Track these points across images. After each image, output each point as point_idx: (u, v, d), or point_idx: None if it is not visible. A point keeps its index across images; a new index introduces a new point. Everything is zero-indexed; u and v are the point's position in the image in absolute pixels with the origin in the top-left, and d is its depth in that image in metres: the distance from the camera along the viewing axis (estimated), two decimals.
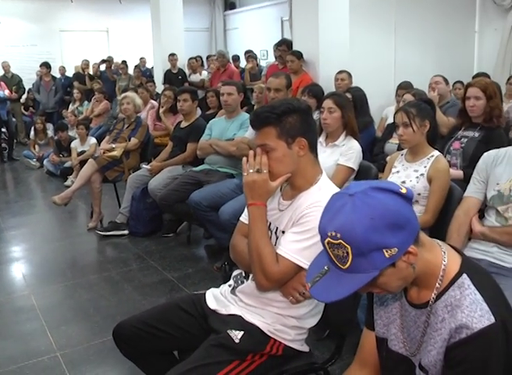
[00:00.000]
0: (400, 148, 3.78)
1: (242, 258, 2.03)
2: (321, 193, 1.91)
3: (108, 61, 11.83)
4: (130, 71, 11.26)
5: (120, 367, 2.92)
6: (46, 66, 11.03)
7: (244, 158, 1.98)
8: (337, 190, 1.97)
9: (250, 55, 10.51)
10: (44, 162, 8.53)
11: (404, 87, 5.43)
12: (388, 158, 3.59)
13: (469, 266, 1.38)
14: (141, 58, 12.35)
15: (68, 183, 7.24)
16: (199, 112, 6.18)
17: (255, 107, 5.92)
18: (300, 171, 1.95)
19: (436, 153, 3.07)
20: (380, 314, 1.55)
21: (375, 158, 4.62)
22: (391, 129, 4.70)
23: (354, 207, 1.25)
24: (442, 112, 4.65)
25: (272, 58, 10.31)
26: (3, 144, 9.87)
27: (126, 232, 5.17)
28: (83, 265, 4.63)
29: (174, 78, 9.55)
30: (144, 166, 5.37)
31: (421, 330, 1.41)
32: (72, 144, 7.84)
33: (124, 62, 11.29)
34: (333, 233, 1.25)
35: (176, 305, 2.14)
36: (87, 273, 4.32)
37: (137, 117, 5.77)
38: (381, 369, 1.58)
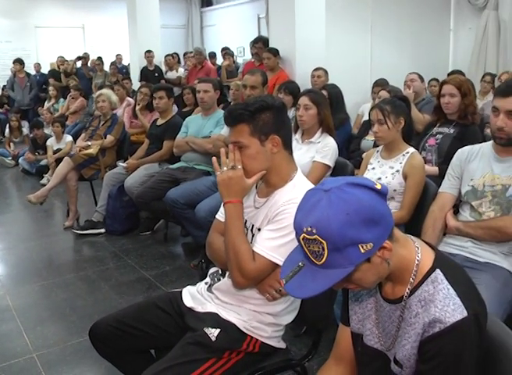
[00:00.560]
0: (375, 145, 3.80)
1: (218, 255, 2.03)
2: (296, 190, 1.91)
3: (84, 58, 11.71)
4: (106, 68, 11.16)
5: (97, 367, 2.90)
6: (19, 62, 10.89)
7: (214, 158, 1.98)
8: (312, 187, 1.97)
9: (226, 52, 10.50)
10: (20, 160, 8.42)
11: (380, 84, 5.46)
12: (364, 155, 3.61)
13: (442, 261, 1.40)
14: (117, 55, 12.26)
15: (44, 181, 7.16)
16: (175, 109, 6.15)
17: (232, 104, 5.91)
18: (275, 168, 1.95)
19: (411, 150, 3.09)
20: (355, 310, 1.56)
21: (351, 155, 4.64)
22: (367, 126, 4.73)
23: (330, 202, 1.25)
24: (417, 109, 4.70)
25: (248, 56, 10.31)
26: None
27: (102, 230, 5.14)
28: (59, 264, 4.58)
29: (150, 75, 9.51)
30: (120, 163, 5.34)
31: (396, 324, 1.42)
32: (48, 142, 7.74)
33: (100, 58, 11.19)
34: (309, 229, 1.25)
35: (153, 304, 2.13)
36: (63, 273, 4.27)
37: (113, 114, 5.74)
38: (356, 365, 1.59)
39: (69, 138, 7.66)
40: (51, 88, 10.18)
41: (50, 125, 8.15)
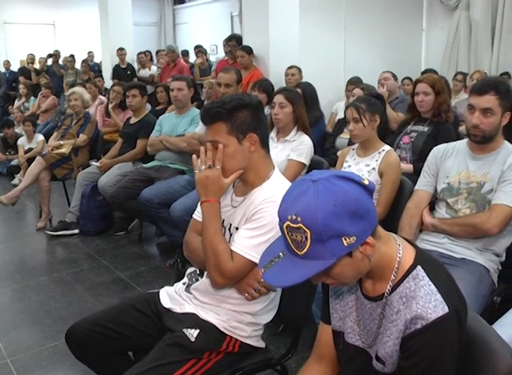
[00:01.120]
0: (350, 143, 3.82)
1: (196, 255, 2.01)
2: (274, 188, 1.90)
3: (55, 55, 11.55)
4: (78, 66, 11.02)
5: (74, 371, 2.85)
6: None
7: (194, 156, 1.96)
8: (290, 185, 1.97)
9: (199, 50, 10.46)
10: None
11: (354, 82, 5.48)
12: (339, 153, 3.62)
13: (423, 258, 1.40)
14: (89, 53, 12.12)
15: (15, 181, 7.05)
16: (148, 107, 6.10)
17: (205, 102, 5.90)
18: (253, 167, 1.94)
19: (387, 147, 3.11)
20: (336, 308, 1.56)
21: (326, 153, 4.67)
22: (342, 124, 4.76)
23: (317, 193, 1.25)
24: (391, 108, 4.73)
25: (221, 54, 10.30)
26: None
27: (76, 231, 5.07)
28: (32, 266, 4.49)
29: (123, 73, 9.43)
30: (93, 163, 5.29)
31: (377, 322, 1.42)
32: (19, 142, 7.59)
33: (72, 56, 11.05)
34: (294, 217, 1.24)
35: (130, 305, 2.10)
36: (36, 275, 4.19)
37: (86, 113, 5.68)
38: (338, 363, 1.59)
39: (40, 137, 7.53)
40: (21, 86, 10.03)
41: (21, 124, 8.01)
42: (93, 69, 11.12)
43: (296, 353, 2.15)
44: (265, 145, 1.97)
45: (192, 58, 11.30)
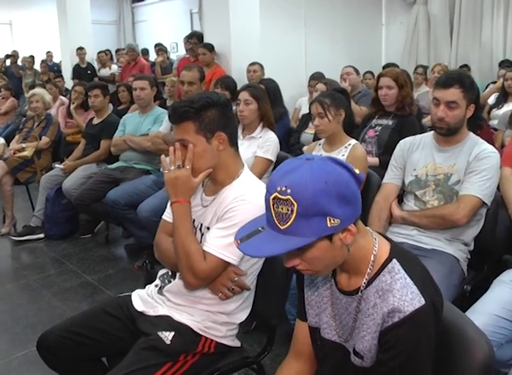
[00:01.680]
0: (315, 138, 3.83)
1: (167, 257, 1.99)
2: (244, 187, 1.90)
3: (13, 56, 11.30)
4: (36, 66, 10.81)
5: None
6: None
7: (163, 156, 1.94)
8: (260, 183, 1.97)
9: (160, 48, 10.38)
10: None
11: (316, 77, 5.51)
12: (304, 149, 3.63)
13: (398, 252, 1.42)
14: (48, 53, 11.90)
15: None
16: (111, 107, 6.02)
17: (167, 101, 5.86)
18: (222, 166, 1.92)
19: (353, 141, 3.13)
20: (311, 304, 1.56)
21: (291, 149, 4.68)
22: (306, 119, 4.77)
23: (311, 169, 1.26)
24: (354, 102, 4.77)
25: (182, 51, 10.22)
26: None
27: (41, 236, 4.97)
28: None
29: (83, 73, 9.31)
30: (56, 165, 5.20)
31: (353, 316, 1.43)
32: None
33: (32, 56, 10.83)
34: (283, 188, 1.24)
35: (101, 310, 2.06)
36: (1, 282, 4.08)
37: (48, 115, 5.57)
38: (316, 359, 1.60)
39: (1, 140, 7.36)
40: None
41: None
42: (52, 69, 10.94)
43: (270, 350, 2.15)
44: (234, 144, 1.96)
45: (152, 56, 11.20)
